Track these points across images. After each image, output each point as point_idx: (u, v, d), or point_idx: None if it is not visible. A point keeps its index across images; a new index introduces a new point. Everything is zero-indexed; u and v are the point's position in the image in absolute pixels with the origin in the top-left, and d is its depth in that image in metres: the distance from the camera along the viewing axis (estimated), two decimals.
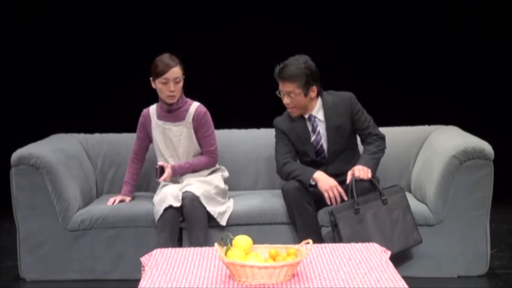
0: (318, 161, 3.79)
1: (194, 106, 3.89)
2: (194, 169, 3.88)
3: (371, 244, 3.01)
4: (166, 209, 3.63)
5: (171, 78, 3.74)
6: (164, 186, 3.86)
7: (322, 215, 3.71)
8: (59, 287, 3.78)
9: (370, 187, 3.59)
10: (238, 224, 3.75)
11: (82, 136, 4.39)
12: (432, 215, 3.71)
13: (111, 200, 3.94)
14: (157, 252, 2.98)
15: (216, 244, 2.65)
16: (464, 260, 3.73)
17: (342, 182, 3.64)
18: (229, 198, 3.95)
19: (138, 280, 2.74)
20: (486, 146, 3.67)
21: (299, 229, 3.63)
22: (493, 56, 5.59)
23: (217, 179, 3.88)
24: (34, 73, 5.65)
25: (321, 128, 3.77)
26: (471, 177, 3.66)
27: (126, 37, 5.51)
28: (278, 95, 3.73)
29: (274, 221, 3.77)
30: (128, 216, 3.82)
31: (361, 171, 3.56)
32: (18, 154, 3.79)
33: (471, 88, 5.60)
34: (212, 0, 5.59)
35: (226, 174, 4.02)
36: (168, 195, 3.66)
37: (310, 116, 3.78)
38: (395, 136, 4.27)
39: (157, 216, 3.67)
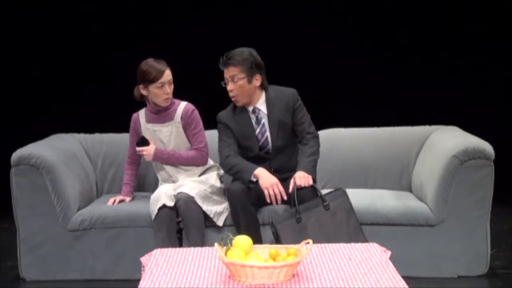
0: (262, 156, 3.77)
1: (182, 105, 3.89)
2: (179, 159, 3.83)
3: (371, 244, 3.01)
4: (160, 209, 3.63)
5: (166, 81, 3.75)
6: (160, 185, 3.87)
7: (263, 213, 3.71)
8: (59, 287, 3.78)
9: (312, 193, 3.56)
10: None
11: (82, 136, 4.39)
12: (433, 215, 3.71)
13: (111, 200, 3.95)
14: (157, 252, 2.98)
15: (216, 244, 2.65)
16: (464, 260, 3.73)
17: (284, 179, 3.66)
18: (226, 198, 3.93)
19: (138, 280, 2.74)
20: (486, 146, 3.67)
21: (242, 229, 3.60)
22: (493, 56, 5.59)
23: (213, 178, 3.88)
24: (34, 73, 5.65)
25: (265, 121, 3.78)
26: (472, 177, 3.66)
27: (126, 37, 5.51)
28: (223, 85, 3.74)
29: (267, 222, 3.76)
30: (128, 216, 3.82)
31: (302, 179, 3.55)
32: (18, 154, 3.79)
33: (471, 88, 5.60)
34: (212, 0, 5.60)
35: (222, 172, 4.00)
36: (162, 194, 3.67)
37: (254, 109, 3.78)
38: (395, 136, 4.28)
39: (153, 216, 3.68)
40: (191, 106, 3.90)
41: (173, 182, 3.87)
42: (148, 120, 3.90)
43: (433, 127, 4.28)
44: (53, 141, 4.17)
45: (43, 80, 5.66)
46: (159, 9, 5.60)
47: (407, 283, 2.54)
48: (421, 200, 3.90)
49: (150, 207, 3.72)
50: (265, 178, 3.60)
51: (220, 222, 3.73)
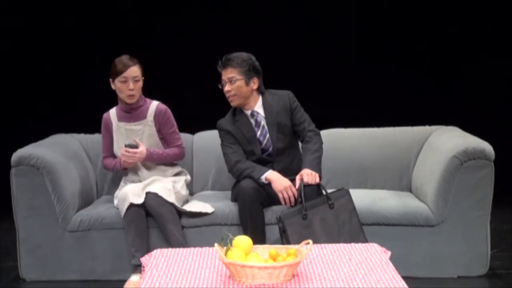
0: (264, 159, 3.80)
1: (154, 104, 3.90)
2: (166, 158, 3.88)
3: (371, 244, 3.01)
4: (128, 208, 3.62)
5: (130, 77, 3.76)
6: (124, 186, 3.86)
7: (268, 213, 3.72)
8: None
9: (318, 191, 3.60)
10: (237, 224, 3.74)
11: (82, 136, 4.39)
12: (433, 215, 3.71)
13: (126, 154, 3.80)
14: (157, 253, 2.98)
15: (216, 244, 2.65)
16: (464, 260, 3.73)
17: (290, 181, 3.66)
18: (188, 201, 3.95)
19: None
20: (486, 146, 3.67)
21: (249, 228, 3.61)
22: (493, 56, 5.58)
23: (179, 184, 3.86)
24: (34, 73, 5.65)
25: (264, 123, 3.82)
26: (472, 177, 3.66)
27: (126, 38, 5.50)
28: (220, 87, 3.78)
29: (273, 221, 3.76)
30: None
31: (309, 176, 3.58)
32: (18, 154, 3.79)
33: (471, 88, 5.60)
34: (207, 7, 5.61)
35: (189, 178, 4.04)
36: (129, 193, 3.65)
37: (252, 112, 3.83)
38: (395, 136, 4.28)
39: (122, 215, 3.67)
40: (163, 106, 3.92)
41: (140, 181, 3.87)
42: (120, 119, 3.91)
43: (433, 127, 4.28)
44: (53, 141, 4.17)
45: (43, 80, 5.66)
46: (159, 9, 5.60)
47: (407, 283, 2.54)
48: (421, 200, 3.90)
49: (119, 207, 3.72)
50: (278, 181, 3.62)
51: (210, 210, 3.75)
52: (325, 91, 5.49)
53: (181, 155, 3.98)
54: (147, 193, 3.65)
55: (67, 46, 5.62)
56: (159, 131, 3.90)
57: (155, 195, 3.64)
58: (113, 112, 3.95)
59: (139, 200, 3.63)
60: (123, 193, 3.69)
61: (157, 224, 3.69)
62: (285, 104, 3.84)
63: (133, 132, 3.87)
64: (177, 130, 3.96)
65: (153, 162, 3.88)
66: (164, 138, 3.93)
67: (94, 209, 3.91)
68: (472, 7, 5.51)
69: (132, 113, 3.88)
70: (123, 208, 3.64)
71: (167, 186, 3.73)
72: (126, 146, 3.78)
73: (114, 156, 3.98)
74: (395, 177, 4.23)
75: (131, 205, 3.63)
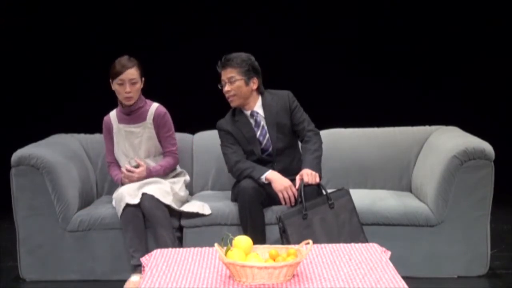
0: (264, 159, 3.81)
1: (154, 106, 3.90)
2: (165, 172, 3.89)
3: (371, 244, 3.01)
4: (125, 208, 3.62)
5: (126, 79, 3.74)
6: (121, 186, 3.85)
7: (268, 213, 3.72)
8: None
9: (318, 191, 3.61)
10: (237, 224, 3.74)
11: (82, 136, 4.39)
12: (433, 215, 3.71)
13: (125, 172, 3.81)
14: (157, 253, 2.98)
15: (216, 244, 2.65)
16: (464, 260, 3.73)
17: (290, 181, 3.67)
18: (187, 201, 3.96)
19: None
20: (486, 146, 3.67)
21: (249, 228, 3.61)
22: (493, 56, 5.58)
23: (178, 186, 3.87)
24: (34, 73, 5.65)
25: (264, 123, 3.82)
26: (472, 177, 3.66)
27: (126, 38, 5.51)
28: (220, 87, 3.78)
29: (273, 221, 3.76)
30: None
31: (309, 176, 3.59)
32: (18, 154, 3.79)
33: (471, 88, 5.60)
34: (211, 2, 5.61)
35: (188, 178, 4.04)
36: (125, 194, 3.65)
37: (252, 112, 3.83)
38: (395, 136, 4.28)
39: (119, 215, 3.67)
40: (163, 109, 3.91)
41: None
42: (120, 121, 3.90)
43: (433, 127, 4.28)
44: (53, 141, 4.17)
45: (43, 80, 5.66)
46: (159, 9, 5.61)
47: (407, 283, 2.54)
48: (421, 200, 3.90)
49: (116, 207, 3.72)
50: (278, 181, 3.63)
51: (207, 211, 3.75)
52: (325, 91, 5.49)
53: (176, 163, 3.98)
54: (143, 194, 3.64)
55: (67, 46, 5.62)
56: (158, 134, 3.90)
57: (151, 197, 3.63)
58: (113, 114, 3.94)
59: (135, 200, 3.63)
60: (119, 194, 3.69)
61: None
62: (284, 104, 3.84)
63: (133, 134, 3.87)
64: (173, 135, 3.94)
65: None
66: (159, 140, 3.92)
67: (94, 209, 3.91)
68: (472, 7, 5.51)
69: (132, 115, 3.87)
70: (120, 209, 3.64)
71: (165, 187, 3.73)
72: (127, 170, 3.77)
73: (117, 161, 3.96)
74: (395, 177, 4.23)
75: (128, 206, 3.63)
